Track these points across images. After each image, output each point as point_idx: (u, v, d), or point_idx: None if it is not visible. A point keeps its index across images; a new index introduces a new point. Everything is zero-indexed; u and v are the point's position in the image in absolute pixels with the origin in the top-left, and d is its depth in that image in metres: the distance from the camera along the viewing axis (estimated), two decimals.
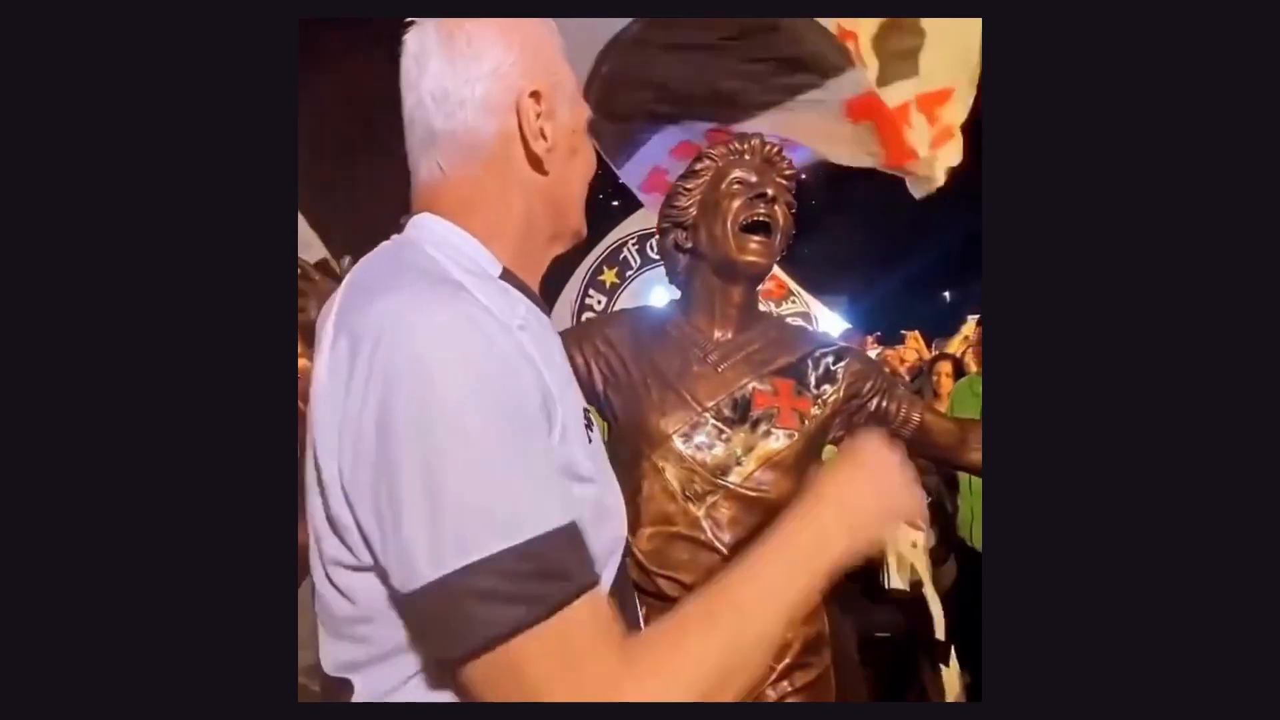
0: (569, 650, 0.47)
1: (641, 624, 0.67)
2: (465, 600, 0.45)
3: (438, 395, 0.46)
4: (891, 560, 2.48)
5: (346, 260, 1.21)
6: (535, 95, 0.59)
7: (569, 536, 0.48)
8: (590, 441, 0.59)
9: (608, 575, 0.57)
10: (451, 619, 0.45)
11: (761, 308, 3.51)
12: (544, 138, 0.60)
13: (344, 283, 0.58)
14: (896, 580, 2.45)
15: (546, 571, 0.46)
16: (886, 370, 1.22)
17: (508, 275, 0.61)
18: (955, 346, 3.51)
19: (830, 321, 4.08)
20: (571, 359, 1.09)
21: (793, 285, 3.99)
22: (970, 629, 2.38)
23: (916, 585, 2.39)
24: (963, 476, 2.43)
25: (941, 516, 2.72)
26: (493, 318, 0.51)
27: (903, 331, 3.71)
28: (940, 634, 2.32)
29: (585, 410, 0.62)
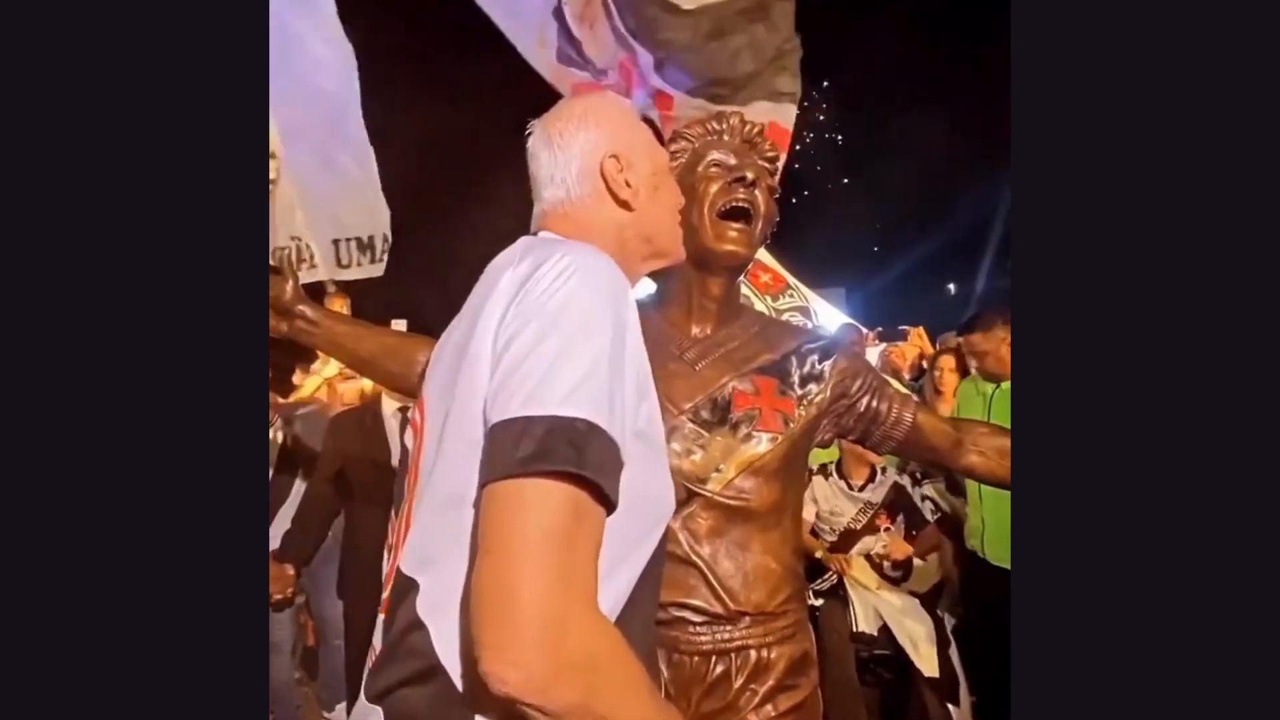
0: (563, 527, 0.55)
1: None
2: (518, 437, 0.56)
3: (594, 292, 0.63)
4: (855, 604, 2.48)
5: (331, 287, 1.17)
6: (615, 157, 0.80)
7: (611, 446, 0.58)
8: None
9: (645, 549, 0.67)
10: (500, 447, 0.56)
11: (758, 304, 3.48)
12: (628, 185, 0.80)
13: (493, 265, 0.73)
14: (863, 623, 2.46)
15: (580, 447, 0.56)
16: (878, 368, 1.18)
17: None
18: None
19: (830, 315, 4.05)
20: None
21: (790, 279, 3.96)
22: (979, 644, 2.35)
23: (883, 630, 2.41)
24: (970, 483, 2.40)
25: (948, 524, 2.69)
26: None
27: (905, 327, 3.66)
28: (931, 670, 2.30)
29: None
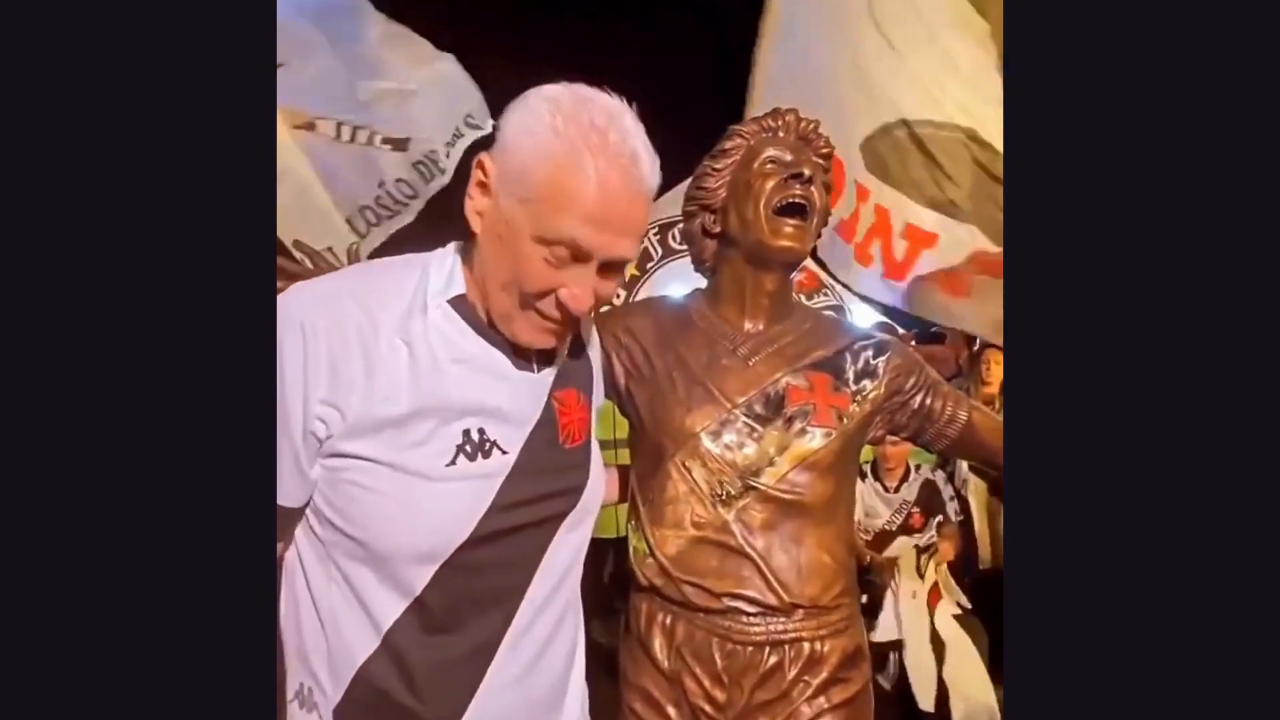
0: None
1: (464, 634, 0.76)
2: None
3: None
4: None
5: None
6: (480, 165, 0.71)
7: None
8: (453, 463, 0.72)
9: (419, 580, 0.72)
10: None
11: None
12: (476, 211, 0.72)
13: None
14: (881, 633, 2.40)
15: None
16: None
17: (463, 304, 0.76)
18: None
19: (864, 315, 4.02)
20: None
21: (825, 277, 3.95)
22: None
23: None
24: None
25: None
26: (356, 313, 0.71)
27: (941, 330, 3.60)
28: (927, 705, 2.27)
29: (483, 438, 0.74)
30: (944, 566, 2.53)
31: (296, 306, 0.70)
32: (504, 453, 0.75)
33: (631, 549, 1.08)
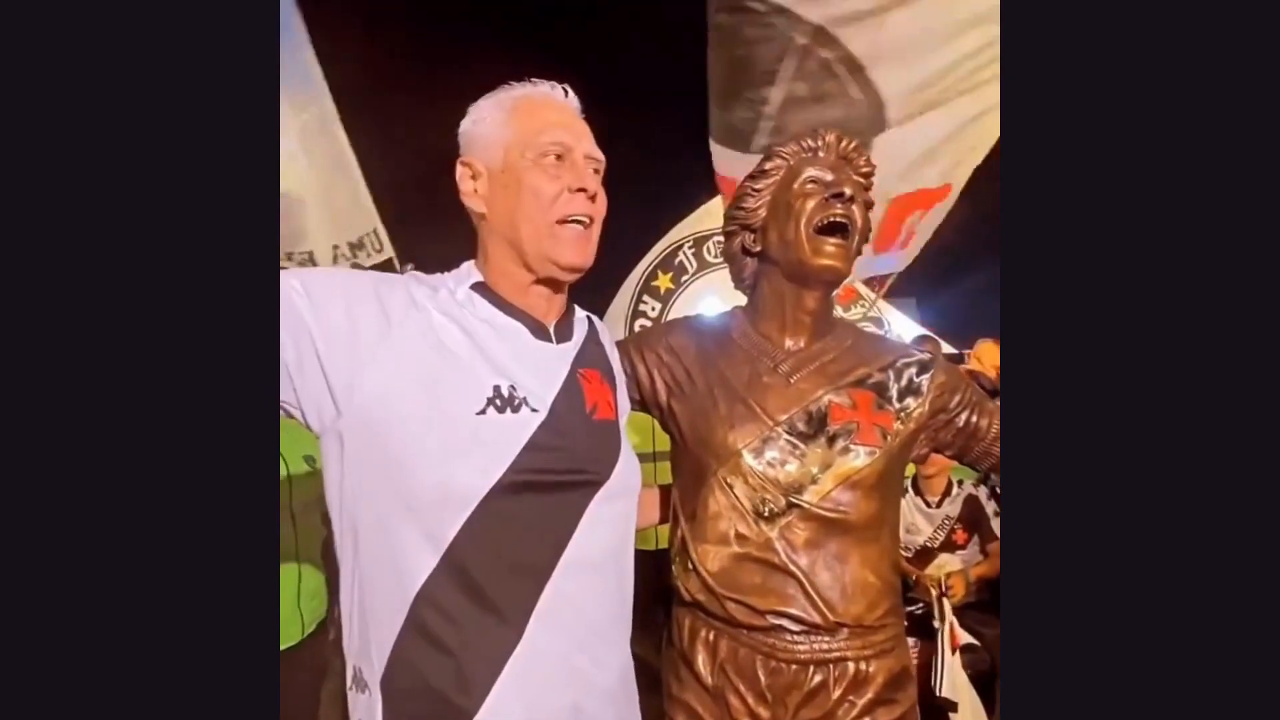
0: None
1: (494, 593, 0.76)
2: None
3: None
4: (944, 662, 2.19)
5: (410, 267, 1.26)
6: (465, 164, 0.86)
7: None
8: (483, 412, 0.77)
9: (450, 528, 0.74)
10: None
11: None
12: (475, 192, 0.86)
13: None
14: (947, 689, 2.14)
15: None
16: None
17: (482, 288, 0.87)
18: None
19: (903, 326, 3.97)
20: (633, 368, 1.10)
21: (862, 289, 3.91)
22: None
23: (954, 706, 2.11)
24: None
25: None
26: (384, 291, 0.80)
27: (970, 352, 3.46)
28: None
29: (513, 393, 0.80)
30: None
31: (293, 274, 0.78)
32: (534, 410, 0.80)
33: (674, 563, 1.09)
